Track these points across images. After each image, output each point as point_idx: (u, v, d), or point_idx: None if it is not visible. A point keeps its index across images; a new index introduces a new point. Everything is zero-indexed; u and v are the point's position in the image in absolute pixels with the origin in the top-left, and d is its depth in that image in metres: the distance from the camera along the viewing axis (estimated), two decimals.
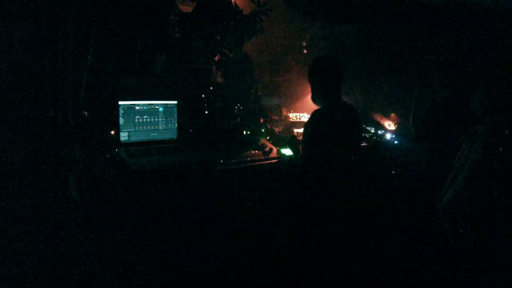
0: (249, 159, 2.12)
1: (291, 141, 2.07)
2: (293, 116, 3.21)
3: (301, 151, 1.97)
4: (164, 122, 2.18)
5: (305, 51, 4.17)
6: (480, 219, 2.17)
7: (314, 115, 1.88)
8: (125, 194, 1.74)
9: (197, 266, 2.14)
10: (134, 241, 1.84)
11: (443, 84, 2.23)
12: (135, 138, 2.07)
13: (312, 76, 1.94)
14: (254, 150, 2.25)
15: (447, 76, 2.25)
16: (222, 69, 2.76)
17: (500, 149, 2.10)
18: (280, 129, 2.77)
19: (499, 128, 2.15)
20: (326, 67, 1.92)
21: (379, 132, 3.23)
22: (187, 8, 2.56)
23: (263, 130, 2.53)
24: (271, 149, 2.31)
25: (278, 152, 2.33)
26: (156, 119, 2.15)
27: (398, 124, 3.45)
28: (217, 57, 2.66)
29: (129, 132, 2.05)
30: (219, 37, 2.59)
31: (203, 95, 2.57)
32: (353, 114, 1.97)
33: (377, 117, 3.45)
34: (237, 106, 2.71)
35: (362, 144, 2.83)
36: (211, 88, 2.63)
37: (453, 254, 2.22)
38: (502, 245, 1.90)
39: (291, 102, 3.51)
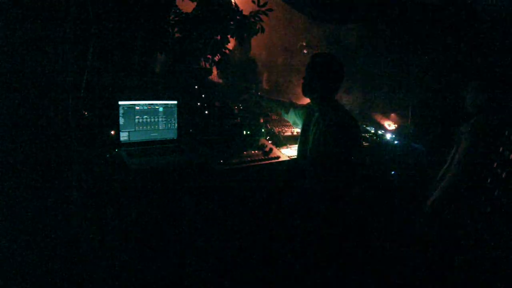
0: (249, 159, 2.12)
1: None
2: None
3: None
4: (164, 122, 2.18)
5: (305, 51, 4.18)
6: (468, 217, 2.18)
7: (342, 123, 1.81)
8: (125, 194, 1.74)
9: (197, 266, 2.14)
10: (134, 241, 1.84)
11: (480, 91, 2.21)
12: (135, 138, 2.07)
13: (315, 69, 1.89)
14: (254, 150, 2.25)
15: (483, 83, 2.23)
16: (222, 69, 2.76)
17: (483, 149, 2.12)
18: (280, 129, 2.77)
19: (485, 127, 2.17)
20: (338, 65, 1.89)
21: (379, 132, 3.23)
22: (187, 8, 2.56)
23: (263, 130, 2.53)
24: (271, 149, 2.31)
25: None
26: (156, 119, 2.15)
27: (398, 124, 3.45)
28: (217, 57, 2.66)
29: (129, 132, 2.05)
30: (219, 37, 2.58)
31: (203, 95, 2.57)
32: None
33: (377, 117, 3.45)
34: (237, 106, 2.71)
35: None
36: (211, 88, 2.63)
37: (446, 254, 2.23)
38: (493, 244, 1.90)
39: None
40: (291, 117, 2.43)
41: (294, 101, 2.72)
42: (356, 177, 1.80)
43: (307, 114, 2.12)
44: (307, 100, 2.08)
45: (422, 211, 2.51)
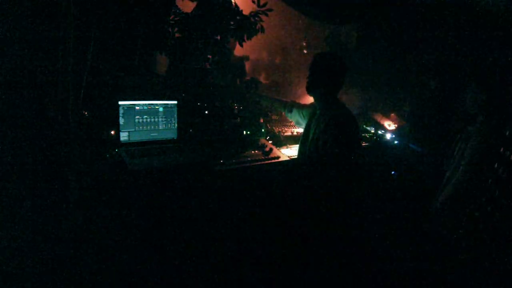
0: (249, 159, 2.12)
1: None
2: None
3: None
4: (164, 122, 2.18)
5: (305, 51, 4.18)
6: (476, 218, 2.18)
7: (340, 121, 1.82)
8: (125, 194, 1.74)
9: (197, 266, 2.14)
10: (134, 241, 1.84)
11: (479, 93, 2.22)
12: (135, 138, 2.07)
13: (318, 68, 1.91)
14: (254, 150, 2.25)
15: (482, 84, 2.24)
16: (221, 69, 2.76)
17: (494, 149, 2.12)
18: (280, 129, 2.77)
19: (493, 127, 2.17)
20: (339, 64, 1.91)
21: (379, 132, 3.23)
22: (187, 8, 2.56)
23: (263, 130, 2.53)
24: (271, 149, 2.31)
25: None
26: (156, 119, 2.15)
27: (398, 124, 3.45)
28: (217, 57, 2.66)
29: (129, 132, 2.05)
30: (219, 37, 2.58)
31: (203, 95, 2.57)
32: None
33: (377, 117, 3.45)
34: (237, 106, 2.71)
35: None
36: (211, 88, 2.63)
37: (450, 253, 2.23)
38: (498, 244, 1.90)
39: None
40: (294, 116, 2.43)
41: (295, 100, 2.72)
42: (354, 176, 1.81)
43: (310, 113, 2.12)
44: (307, 100, 2.09)
45: (430, 210, 2.51)
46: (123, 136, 2.03)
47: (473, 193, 2.24)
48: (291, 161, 2.28)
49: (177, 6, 2.49)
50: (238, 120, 2.56)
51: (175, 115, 2.22)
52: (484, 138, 2.16)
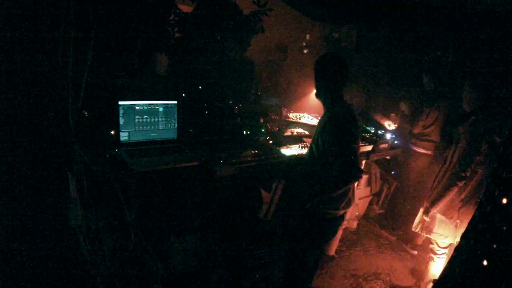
0: (249, 159, 2.12)
1: None
2: (293, 116, 3.21)
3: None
4: (164, 122, 2.18)
5: (305, 51, 4.18)
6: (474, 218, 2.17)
7: (339, 120, 1.82)
8: (125, 194, 1.74)
9: (196, 265, 2.14)
10: (134, 240, 1.84)
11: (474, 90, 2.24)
12: (135, 138, 2.07)
13: (317, 71, 1.91)
14: (254, 150, 2.24)
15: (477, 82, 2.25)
16: (221, 69, 2.76)
17: (480, 145, 2.14)
18: (280, 129, 2.77)
19: (477, 125, 2.19)
20: (337, 64, 1.91)
21: (379, 132, 3.22)
22: (187, 8, 2.56)
23: (263, 130, 2.53)
24: (271, 149, 2.31)
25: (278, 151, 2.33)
26: (156, 119, 2.15)
27: (398, 124, 3.45)
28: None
29: (129, 132, 2.05)
30: (219, 37, 2.58)
31: (203, 95, 2.57)
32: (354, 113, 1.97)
33: (377, 117, 3.45)
34: (237, 106, 2.71)
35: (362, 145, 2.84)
36: (211, 88, 2.63)
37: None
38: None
39: (291, 102, 3.51)
40: None
41: (294, 100, 2.72)
42: (351, 175, 1.80)
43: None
44: (307, 99, 2.09)
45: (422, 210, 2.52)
46: (123, 136, 2.03)
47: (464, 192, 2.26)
48: (292, 161, 2.28)
49: (177, 6, 2.49)
50: (238, 120, 2.55)
51: (175, 115, 2.22)
52: (473, 139, 2.18)
